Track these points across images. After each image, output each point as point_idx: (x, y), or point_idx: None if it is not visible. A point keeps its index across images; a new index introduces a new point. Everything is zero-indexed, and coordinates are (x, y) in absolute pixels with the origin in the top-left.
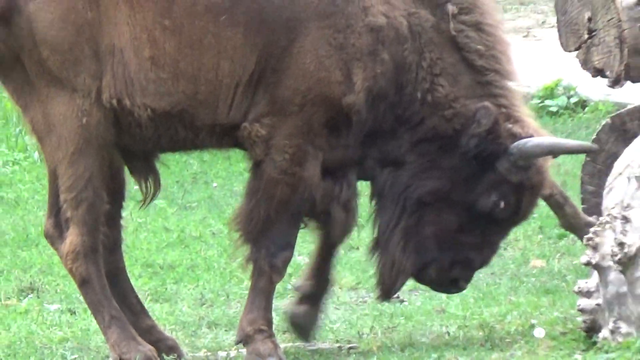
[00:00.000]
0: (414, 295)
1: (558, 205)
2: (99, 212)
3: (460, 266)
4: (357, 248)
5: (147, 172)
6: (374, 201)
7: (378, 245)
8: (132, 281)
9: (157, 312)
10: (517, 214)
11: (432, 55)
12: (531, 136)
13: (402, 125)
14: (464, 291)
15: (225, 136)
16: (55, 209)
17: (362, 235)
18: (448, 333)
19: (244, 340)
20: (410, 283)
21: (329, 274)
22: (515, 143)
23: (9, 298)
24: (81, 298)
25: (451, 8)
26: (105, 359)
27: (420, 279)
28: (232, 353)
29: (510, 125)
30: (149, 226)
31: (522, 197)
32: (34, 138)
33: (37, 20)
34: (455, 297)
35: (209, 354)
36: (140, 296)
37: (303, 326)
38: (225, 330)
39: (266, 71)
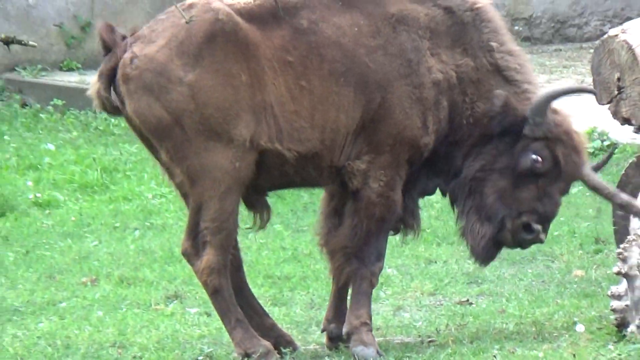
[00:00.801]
0: (480, 299)
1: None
2: (233, 238)
3: (527, 214)
4: (435, 261)
5: (263, 206)
6: (455, 208)
7: (463, 232)
8: (255, 289)
9: (276, 314)
10: (557, 165)
11: (471, 91)
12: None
13: (454, 146)
14: (543, 242)
15: (337, 175)
16: (194, 234)
17: (439, 250)
18: (507, 329)
19: (351, 331)
20: (477, 289)
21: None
22: (529, 107)
23: (158, 304)
24: None
25: (494, 44)
26: (233, 352)
27: (502, 240)
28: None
29: (520, 99)
30: (269, 246)
31: (553, 149)
32: (187, 182)
33: (198, 87)
34: (514, 300)
35: (317, 347)
36: (262, 301)
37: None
38: None
39: (366, 122)
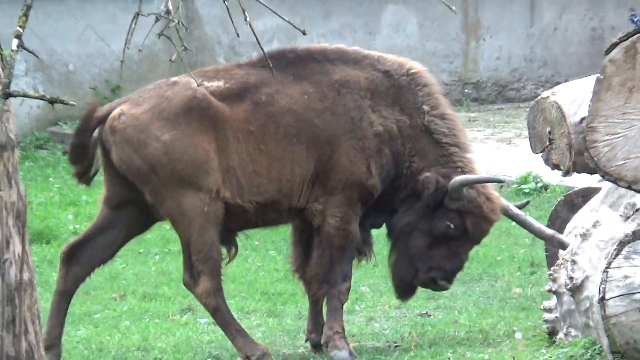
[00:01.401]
0: (437, 311)
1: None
2: (219, 265)
3: (435, 270)
4: None
5: (233, 242)
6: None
7: (390, 265)
8: (254, 304)
9: (270, 323)
10: (467, 233)
11: (409, 145)
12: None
13: (396, 191)
14: (449, 290)
15: (297, 215)
16: (189, 266)
17: None
18: (459, 336)
19: (327, 340)
20: (434, 303)
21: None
22: (449, 184)
23: (174, 315)
24: None
25: (425, 108)
26: (236, 355)
27: (415, 282)
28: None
29: (447, 161)
30: (265, 268)
31: (464, 219)
32: (170, 220)
33: (172, 145)
34: (464, 313)
35: (304, 351)
36: (258, 314)
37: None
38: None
39: (320, 171)
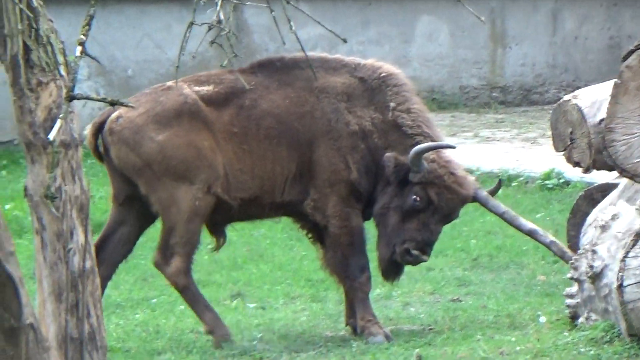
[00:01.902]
0: (468, 297)
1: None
2: (194, 251)
3: (408, 242)
4: (434, 269)
5: (222, 232)
6: None
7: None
8: (298, 290)
9: (314, 308)
10: (432, 204)
11: (384, 139)
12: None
13: (379, 182)
14: (425, 262)
15: (280, 209)
16: (163, 248)
17: (437, 261)
18: (488, 320)
19: (362, 329)
20: (465, 290)
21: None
22: (408, 158)
23: (225, 300)
24: (269, 299)
25: (392, 104)
26: (282, 337)
27: (396, 260)
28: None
29: (404, 157)
30: (308, 257)
31: (427, 191)
32: (160, 209)
33: (165, 144)
34: (492, 298)
35: (345, 333)
36: (303, 299)
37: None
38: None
39: (303, 171)
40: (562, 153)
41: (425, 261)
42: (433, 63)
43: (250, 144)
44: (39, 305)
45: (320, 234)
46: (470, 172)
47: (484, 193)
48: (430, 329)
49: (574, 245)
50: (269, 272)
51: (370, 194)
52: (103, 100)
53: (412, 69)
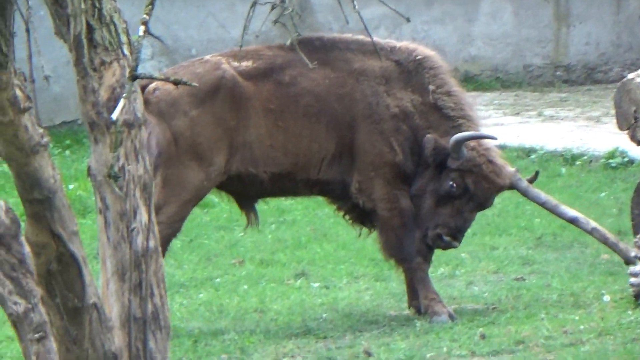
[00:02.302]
0: (531, 276)
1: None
2: (174, 235)
3: (440, 226)
4: (497, 248)
5: (252, 208)
6: None
7: None
8: (362, 269)
9: (377, 287)
10: (468, 192)
11: (424, 120)
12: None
13: (420, 163)
14: (457, 248)
15: (315, 186)
16: None
17: (500, 240)
18: (552, 299)
19: (426, 308)
20: (529, 268)
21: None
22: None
23: (289, 280)
24: (333, 278)
25: (432, 87)
26: (345, 316)
27: (427, 242)
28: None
29: (454, 133)
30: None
31: (464, 178)
32: (160, 183)
33: (196, 121)
34: (556, 277)
35: (409, 312)
36: (366, 278)
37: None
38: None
39: (343, 152)
40: (626, 131)
41: (455, 247)
42: (497, 42)
43: (286, 121)
44: (102, 285)
45: (359, 216)
46: (534, 151)
47: (524, 183)
48: (494, 308)
49: (638, 224)
50: (333, 251)
51: (415, 175)
52: (166, 79)
53: (476, 48)
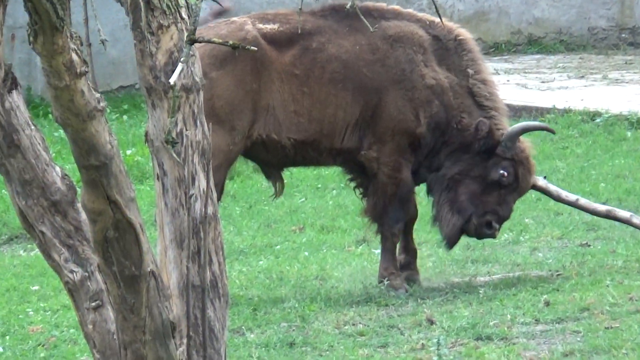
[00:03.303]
0: (596, 242)
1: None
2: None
3: (490, 214)
4: (562, 213)
5: (278, 177)
6: (429, 196)
7: (436, 218)
8: (425, 235)
9: (439, 254)
10: (517, 181)
11: (458, 101)
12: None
13: (444, 145)
14: (495, 238)
15: (338, 156)
16: None
17: (564, 205)
18: (617, 265)
19: (382, 278)
20: (594, 234)
21: (413, 245)
22: (504, 134)
23: (350, 246)
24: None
25: (470, 71)
26: (407, 283)
27: (466, 230)
28: (484, 278)
29: (498, 129)
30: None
31: (517, 168)
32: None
33: (217, 83)
34: (622, 243)
35: (472, 278)
36: (429, 245)
37: (411, 281)
38: (482, 264)
39: (366, 118)
40: None
41: (495, 237)
42: (561, 4)
43: (311, 87)
44: (160, 252)
45: (367, 188)
46: (599, 115)
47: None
48: (558, 274)
49: None
50: None
51: (429, 153)
52: (224, 43)
53: (540, 10)
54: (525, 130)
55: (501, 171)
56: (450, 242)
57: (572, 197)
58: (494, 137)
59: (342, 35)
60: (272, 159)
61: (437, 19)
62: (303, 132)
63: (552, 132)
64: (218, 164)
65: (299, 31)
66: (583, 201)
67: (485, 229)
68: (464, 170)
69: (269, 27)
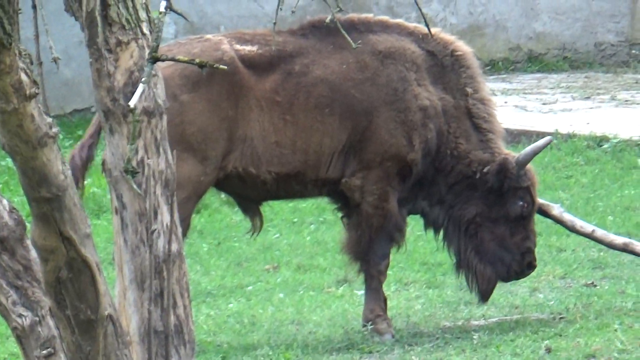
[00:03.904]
0: (603, 281)
1: None
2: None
3: (527, 254)
4: (565, 250)
5: (256, 211)
6: (429, 230)
7: (461, 267)
8: (412, 274)
9: (430, 295)
10: (534, 204)
11: (454, 125)
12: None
13: (439, 173)
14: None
15: (324, 187)
16: None
17: (568, 240)
18: (626, 307)
19: (367, 321)
20: (601, 273)
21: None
22: (515, 160)
23: (330, 287)
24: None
25: (469, 90)
26: (394, 328)
27: (506, 278)
28: (478, 322)
29: (484, 147)
30: (424, 237)
31: (531, 192)
32: None
33: (188, 107)
34: (632, 283)
35: (465, 323)
36: (417, 285)
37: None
38: (476, 307)
39: (354, 143)
40: None
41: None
42: (565, 17)
43: (295, 115)
44: (119, 294)
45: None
46: (607, 140)
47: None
48: (561, 317)
49: None
50: None
51: (423, 181)
52: (190, 62)
53: (541, 24)
54: (536, 154)
55: (520, 203)
56: (487, 296)
57: (588, 227)
58: (507, 169)
59: (327, 55)
60: (250, 193)
61: (433, 30)
62: (286, 164)
63: (550, 141)
64: (187, 196)
65: (280, 54)
66: (599, 232)
67: (527, 271)
68: (483, 212)
69: (247, 49)
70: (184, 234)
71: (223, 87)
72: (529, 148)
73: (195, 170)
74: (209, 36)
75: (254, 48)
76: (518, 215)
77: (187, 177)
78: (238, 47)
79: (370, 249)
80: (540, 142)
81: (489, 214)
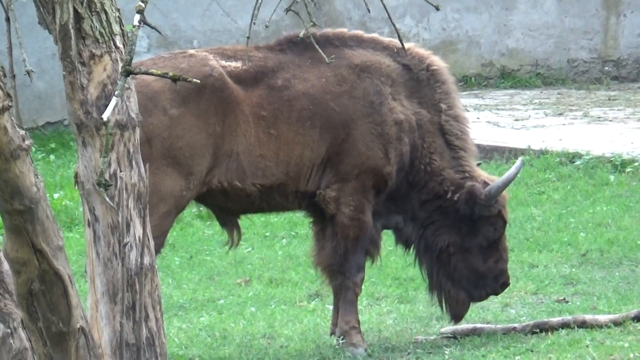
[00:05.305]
0: (575, 297)
1: None
2: (157, 252)
3: (501, 276)
4: (537, 266)
5: (234, 224)
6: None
7: (434, 288)
8: (384, 289)
9: (402, 310)
10: (505, 223)
11: (428, 140)
12: (487, 185)
13: (412, 188)
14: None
15: (304, 199)
16: None
17: (540, 256)
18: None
19: (343, 334)
20: (572, 289)
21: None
22: (485, 192)
23: (301, 301)
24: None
25: (443, 106)
26: (370, 340)
27: (478, 299)
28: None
29: (456, 166)
30: (396, 252)
31: (503, 214)
32: None
33: (177, 122)
34: (603, 299)
35: (437, 337)
36: (389, 300)
37: None
38: (447, 322)
39: (332, 155)
40: None
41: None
42: (538, 33)
43: (279, 128)
44: (91, 307)
45: (322, 224)
46: (579, 156)
47: None
48: (533, 333)
49: None
50: None
51: (397, 195)
52: (164, 75)
53: (514, 40)
54: (508, 185)
55: (492, 228)
56: (459, 318)
57: None
58: (476, 197)
59: (306, 69)
60: (233, 206)
61: (407, 46)
62: (270, 176)
63: (521, 165)
64: (168, 210)
65: (263, 69)
66: None
67: (500, 290)
68: (455, 242)
69: (233, 65)
70: (161, 248)
71: (212, 102)
72: (500, 180)
73: (179, 185)
74: (192, 51)
75: (239, 64)
76: (491, 241)
77: (169, 191)
78: (224, 63)
79: (345, 260)
80: (512, 170)
81: (462, 242)
